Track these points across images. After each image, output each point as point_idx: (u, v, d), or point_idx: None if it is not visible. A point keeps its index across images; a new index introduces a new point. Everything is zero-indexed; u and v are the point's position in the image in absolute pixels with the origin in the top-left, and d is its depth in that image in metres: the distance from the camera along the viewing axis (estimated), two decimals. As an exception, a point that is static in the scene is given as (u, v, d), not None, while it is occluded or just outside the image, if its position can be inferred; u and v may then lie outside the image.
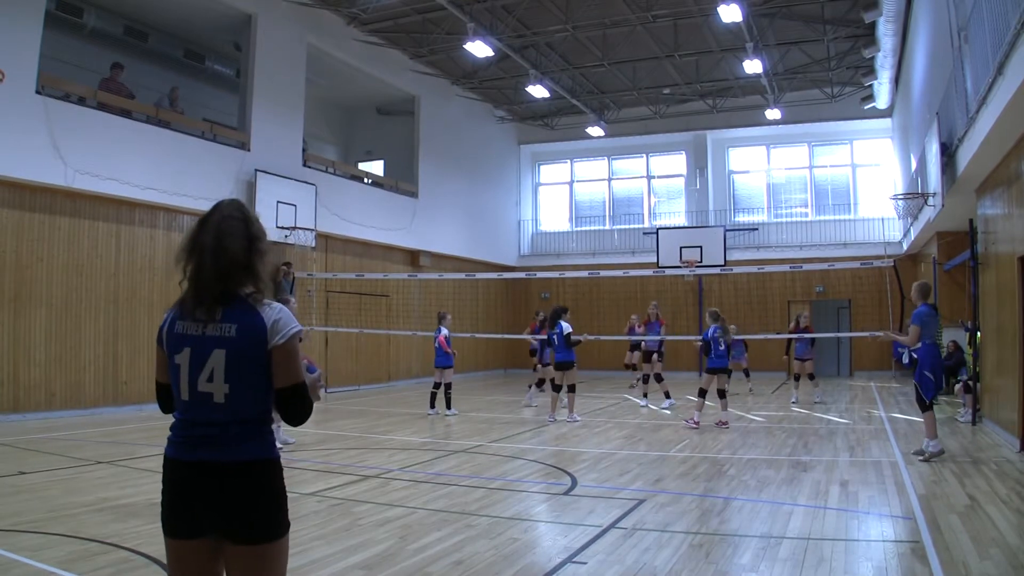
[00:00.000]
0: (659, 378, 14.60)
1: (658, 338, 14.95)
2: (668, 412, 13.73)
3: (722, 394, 11.88)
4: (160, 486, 2.51)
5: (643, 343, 15.36)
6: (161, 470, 2.52)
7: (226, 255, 2.49)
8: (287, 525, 2.51)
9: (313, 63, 18.22)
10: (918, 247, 19.80)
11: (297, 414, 2.55)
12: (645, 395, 15.09)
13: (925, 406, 8.63)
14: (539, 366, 15.24)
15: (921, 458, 8.46)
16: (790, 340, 15.98)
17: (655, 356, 14.76)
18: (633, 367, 17.72)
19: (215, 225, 2.54)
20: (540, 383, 15.04)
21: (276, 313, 2.52)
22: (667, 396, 14.52)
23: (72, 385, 12.80)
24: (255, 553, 2.43)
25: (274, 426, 9.60)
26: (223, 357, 2.45)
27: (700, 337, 11.93)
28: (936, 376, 8.65)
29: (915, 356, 8.99)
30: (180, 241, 2.59)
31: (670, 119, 25.37)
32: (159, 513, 2.49)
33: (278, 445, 9.54)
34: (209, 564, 2.48)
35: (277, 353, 2.48)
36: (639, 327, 16.03)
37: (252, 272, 2.54)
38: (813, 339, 15.43)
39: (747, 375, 17.72)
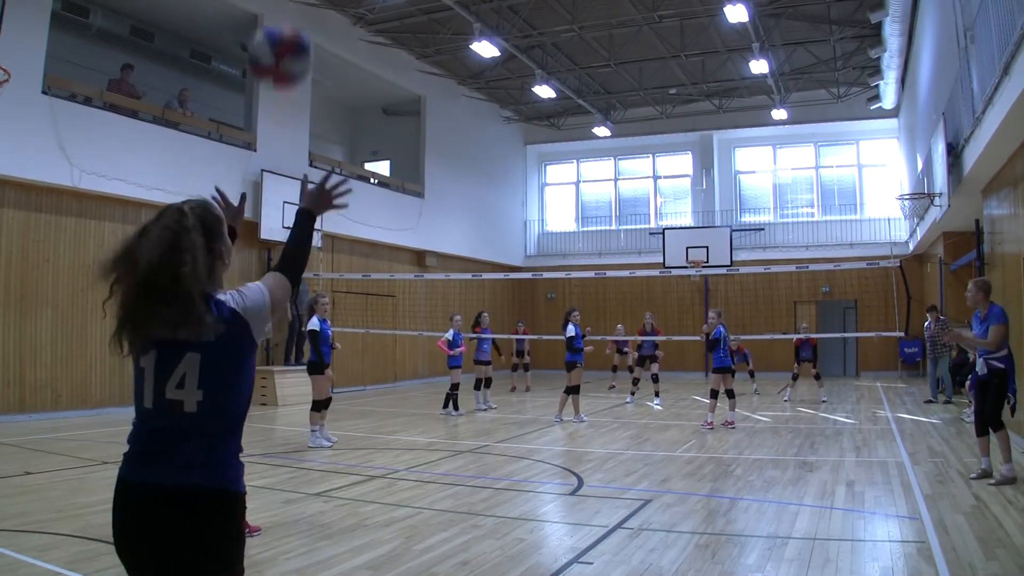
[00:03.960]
0: (655, 378, 15.76)
1: (655, 339, 15.96)
2: (659, 407, 14.72)
3: (731, 394, 11.89)
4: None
5: (639, 350, 16.36)
6: None
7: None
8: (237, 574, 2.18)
9: (319, 63, 18.18)
10: (924, 247, 19.78)
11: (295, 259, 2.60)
12: (632, 393, 16.00)
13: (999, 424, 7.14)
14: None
15: (992, 482, 7.04)
16: (797, 348, 16.18)
17: (648, 361, 15.98)
18: (615, 368, 19.21)
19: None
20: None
21: (239, 295, 2.26)
22: (656, 395, 15.67)
23: (78, 385, 12.83)
24: None
25: (316, 427, 9.66)
26: (197, 362, 2.13)
27: (711, 334, 11.88)
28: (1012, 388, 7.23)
29: (999, 366, 7.09)
30: None
31: (676, 119, 25.33)
32: None
33: (323, 444, 9.38)
34: None
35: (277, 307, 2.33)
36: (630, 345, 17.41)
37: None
38: (815, 347, 16.07)
39: (752, 376, 17.72)
